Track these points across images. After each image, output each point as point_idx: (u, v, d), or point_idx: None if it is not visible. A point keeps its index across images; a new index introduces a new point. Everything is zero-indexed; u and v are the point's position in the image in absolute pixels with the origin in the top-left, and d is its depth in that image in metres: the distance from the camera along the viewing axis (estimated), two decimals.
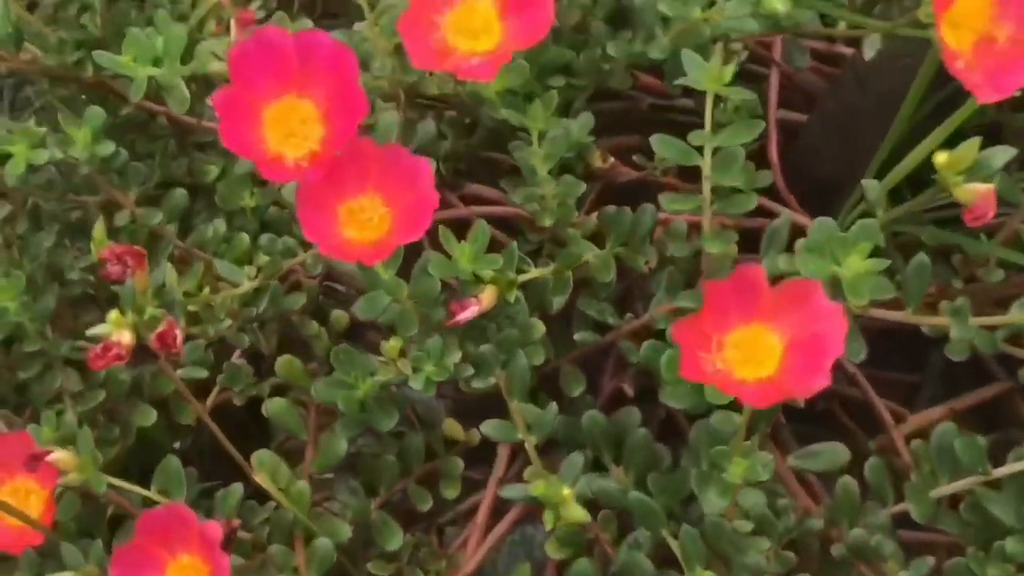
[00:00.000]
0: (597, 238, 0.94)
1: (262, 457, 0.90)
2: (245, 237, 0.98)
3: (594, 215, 0.95)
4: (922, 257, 0.85)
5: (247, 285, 0.95)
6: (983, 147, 0.82)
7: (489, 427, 0.89)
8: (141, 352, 0.82)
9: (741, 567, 0.83)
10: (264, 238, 0.96)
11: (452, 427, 0.98)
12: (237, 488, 0.90)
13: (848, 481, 0.86)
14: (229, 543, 0.80)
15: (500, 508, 0.94)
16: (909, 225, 0.93)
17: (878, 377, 0.99)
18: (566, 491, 0.79)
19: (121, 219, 0.99)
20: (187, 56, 0.94)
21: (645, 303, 0.95)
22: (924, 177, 0.91)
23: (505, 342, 0.90)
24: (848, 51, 1.10)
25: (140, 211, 0.99)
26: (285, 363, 0.96)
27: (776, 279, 0.84)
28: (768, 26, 0.88)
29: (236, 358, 1.02)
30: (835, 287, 0.80)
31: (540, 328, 0.91)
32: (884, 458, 0.91)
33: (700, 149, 0.87)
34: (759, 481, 0.80)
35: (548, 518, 0.80)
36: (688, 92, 0.91)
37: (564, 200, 0.92)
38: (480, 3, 0.82)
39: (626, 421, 0.91)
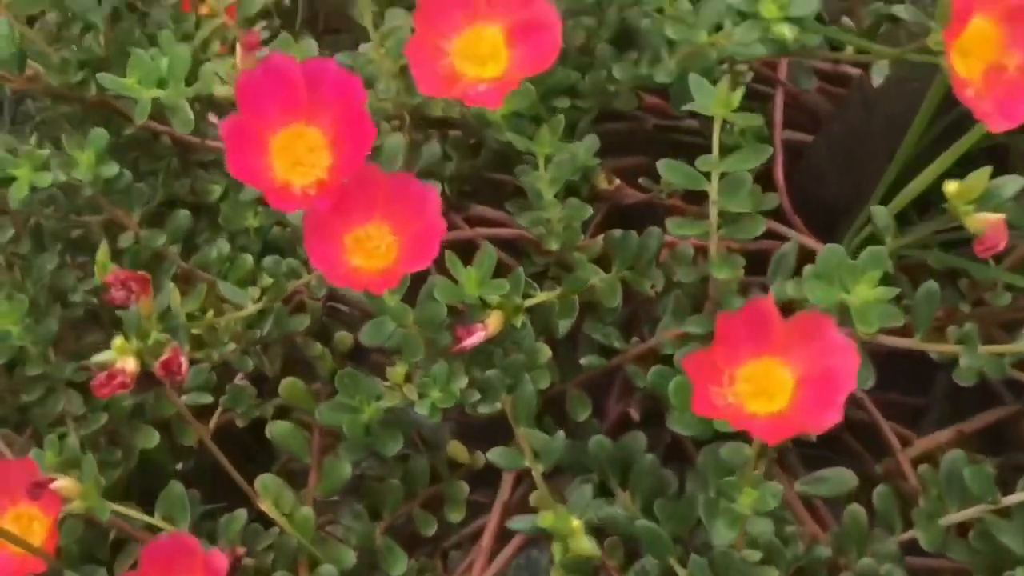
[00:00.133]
0: (603, 261, 0.94)
1: (266, 482, 0.90)
2: (249, 258, 0.98)
3: (600, 238, 0.95)
4: (931, 284, 0.85)
5: (251, 307, 0.94)
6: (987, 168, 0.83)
7: (496, 454, 0.89)
8: (145, 379, 0.82)
9: None
10: (268, 260, 0.95)
11: (456, 449, 0.98)
12: (241, 515, 0.90)
13: (856, 509, 0.86)
14: (234, 572, 0.80)
15: (505, 532, 0.93)
16: (916, 249, 0.92)
17: (883, 399, 0.99)
18: (575, 523, 0.78)
19: (125, 240, 0.99)
20: (191, 77, 0.93)
21: (651, 326, 0.95)
22: (931, 199, 0.91)
23: (511, 367, 0.89)
24: (854, 71, 1.09)
25: (144, 233, 0.98)
26: (288, 385, 0.96)
27: (784, 305, 0.84)
28: (775, 50, 0.88)
29: (239, 379, 1.02)
30: (843, 314, 0.80)
31: (546, 352, 0.90)
32: (891, 482, 0.90)
33: (707, 174, 0.87)
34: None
35: (557, 550, 0.80)
36: (694, 112, 0.91)
37: (570, 223, 0.91)
38: (487, 29, 0.81)
39: (632, 446, 0.90)
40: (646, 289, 0.93)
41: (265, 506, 0.87)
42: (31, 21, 1.09)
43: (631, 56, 0.96)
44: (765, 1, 0.82)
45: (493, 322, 0.86)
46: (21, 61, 0.98)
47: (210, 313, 0.94)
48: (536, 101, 0.92)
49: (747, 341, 0.72)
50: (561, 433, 0.88)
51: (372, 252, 0.79)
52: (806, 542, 0.86)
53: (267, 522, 0.91)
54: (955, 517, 0.85)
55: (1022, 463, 0.91)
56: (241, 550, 0.83)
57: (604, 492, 0.90)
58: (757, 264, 0.92)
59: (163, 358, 0.81)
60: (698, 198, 0.91)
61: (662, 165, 0.87)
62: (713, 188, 0.86)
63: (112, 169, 0.94)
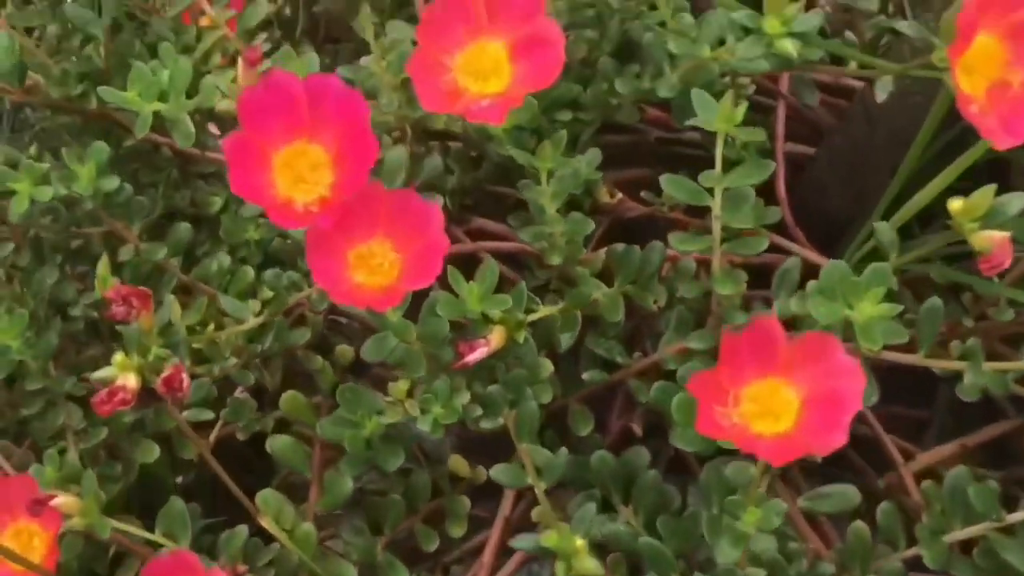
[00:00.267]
0: (605, 275, 0.94)
1: (267, 497, 0.89)
2: (249, 271, 0.98)
3: (602, 252, 0.94)
4: (935, 301, 0.85)
5: (252, 321, 0.94)
6: (989, 183, 0.82)
7: (498, 472, 0.89)
8: (147, 395, 0.82)
9: None
10: (269, 273, 0.95)
11: (458, 463, 0.97)
12: (242, 531, 0.89)
13: (860, 527, 0.86)
14: None
15: (507, 547, 0.93)
16: (919, 264, 0.92)
17: (885, 413, 0.98)
18: (579, 542, 0.78)
19: (125, 254, 0.98)
20: (192, 90, 0.93)
21: (654, 341, 0.94)
22: (933, 211, 0.90)
23: (513, 381, 0.89)
24: (856, 83, 1.09)
25: (144, 246, 0.98)
26: (289, 399, 0.96)
27: (788, 321, 0.84)
28: (778, 64, 0.87)
29: (239, 392, 1.01)
30: (847, 330, 0.80)
31: (548, 367, 0.90)
32: (894, 497, 0.90)
33: (710, 189, 0.86)
34: None
35: (560, 569, 0.79)
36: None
37: (572, 238, 0.91)
38: (490, 45, 0.81)
39: (635, 461, 0.90)
40: (649, 304, 0.93)
41: (266, 522, 0.86)
42: (30, 31, 1.08)
43: (633, 69, 0.96)
44: (768, 17, 0.82)
45: (496, 337, 0.86)
46: (21, 74, 0.97)
47: (211, 327, 0.93)
48: (538, 114, 0.92)
49: (752, 361, 0.72)
50: (564, 450, 0.88)
51: (375, 269, 0.78)
52: (810, 559, 0.86)
53: (268, 536, 0.90)
54: (959, 535, 0.85)
55: None
56: (243, 567, 0.83)
57: (606, 507, 0.90)
58: (759, 277, 0.92)
59: (165, 375, 0.80)
60: (700, 211, 0.90)
61: (665, 180, 0.87)
62: (716, 203, 0.86)
63: (112, 183, 0.94)
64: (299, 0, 1.26)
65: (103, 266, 0.87)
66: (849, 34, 1.07)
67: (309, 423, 0.95)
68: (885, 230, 0.86)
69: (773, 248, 0.93)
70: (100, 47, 1.02)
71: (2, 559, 0.82)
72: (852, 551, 0.86)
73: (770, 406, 0.72)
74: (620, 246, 0.93)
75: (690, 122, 0.86)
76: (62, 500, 0.82)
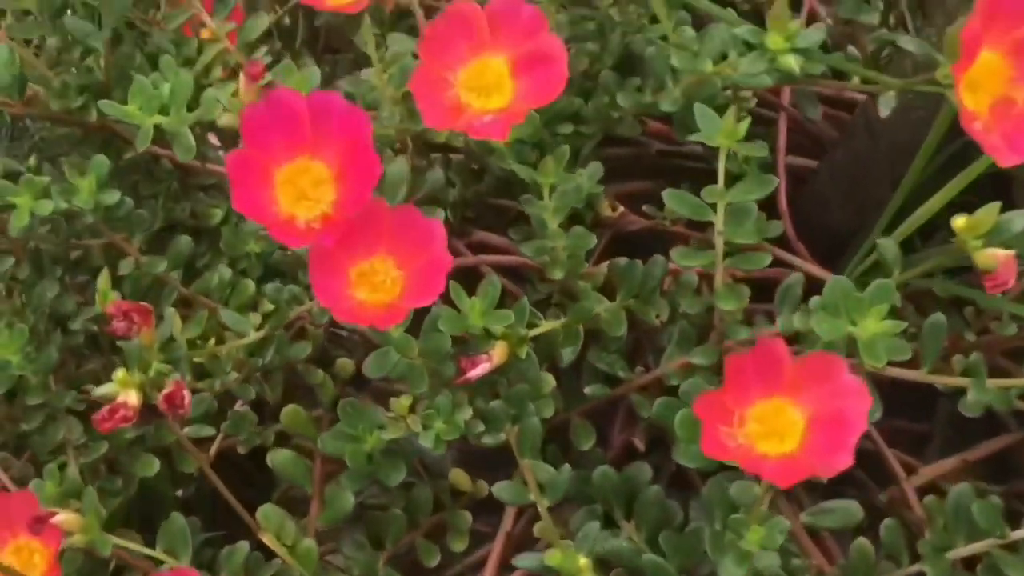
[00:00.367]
0: (607, 289, 0.93)
1: (267, 513, 0.89)
2: (250, 284, 0.97)
3: (604, 266, 0.94)
4: (938, 317, 0.85)
5: (253, 335, 0.94)
6: (990, 197, 0.82)
7: (501, 489, 0.88)
8: (148, 412, 0.81)
9: None
10: (270, 287, 0.95)
11: (459, 477, 0.97)
12: (243, 547, 0.89)
13: (863, 543, 0.85)
14: None
15: (508, 561, 0.93)
16: (921, 278, 0.92)
17: (887, 426, 0.98)
18: (583, 561, 0.78)
19: (125, 267, 0.98)
20: (193, 103, 0.93)
21: (656, 355, 0.94)
22: (935, 225, 0.90)
23: (515, 396, 0.89)
24: (858, 96, 1.09)
25: (144, 259, 0.98)
26: (290, 413, 0.95)
27: (791, 337, 0.84)
28: (780, 79, 0.87)
29: (239, 406, 1.01)
30: (850, 346, 0.80)
31: (550, 382, 0.90)
32: (896, 512, 0.90)
33: (713, 204, 0.86)
34: None
35: None
36: None
37: (574, 252, 0.91)
38: (493, 60, 0.81)
39: (637, 477, 0.90)
40: (651, 318, 0.92)
41: (267, 539, 0.86)
42: (29, 43, 1.08)
43: (634, 83, 0.96)
44: (771, 32, 0.82)
45: (498, 353, 0.85)
46: (21, 86, 0.97)
47: (212, 342, 0.93)
48: (539, 127, 0.92)
49: (757, 381, 0.72)
50: (567, 467, 0.88)
51: (377, 286, 0.78)
52: (812, 575, 0.85)
53: (269, 551, 0.90)
54: (962, 551, 0.85)
55: None
56: None
57: (608, 523, 0.90)
58: (761, 290, 0.92)
59: (166, 392, 0.80)
60: (702, 224, 0.90)
61: (667, 195, 0.87)
62: (719, 219, 0.86)
63: (113, 196, 0.93)
64: (299, 11, 1.25)
65: (103, 281, 0.87)
66: (852, 49, 1.06)
67: (310, 437, 0.95)
68: (889, 246, 0.86)
69: (775, 262, 0.93)
70: (100, 59, 1.02)
71: None
72: (855, 567, 0.86)
73: (775, 426, 0.71)
74: (622, 260, 0.93)
75: (692, 137, 0.85)
76: (63, 517, 0.82)
